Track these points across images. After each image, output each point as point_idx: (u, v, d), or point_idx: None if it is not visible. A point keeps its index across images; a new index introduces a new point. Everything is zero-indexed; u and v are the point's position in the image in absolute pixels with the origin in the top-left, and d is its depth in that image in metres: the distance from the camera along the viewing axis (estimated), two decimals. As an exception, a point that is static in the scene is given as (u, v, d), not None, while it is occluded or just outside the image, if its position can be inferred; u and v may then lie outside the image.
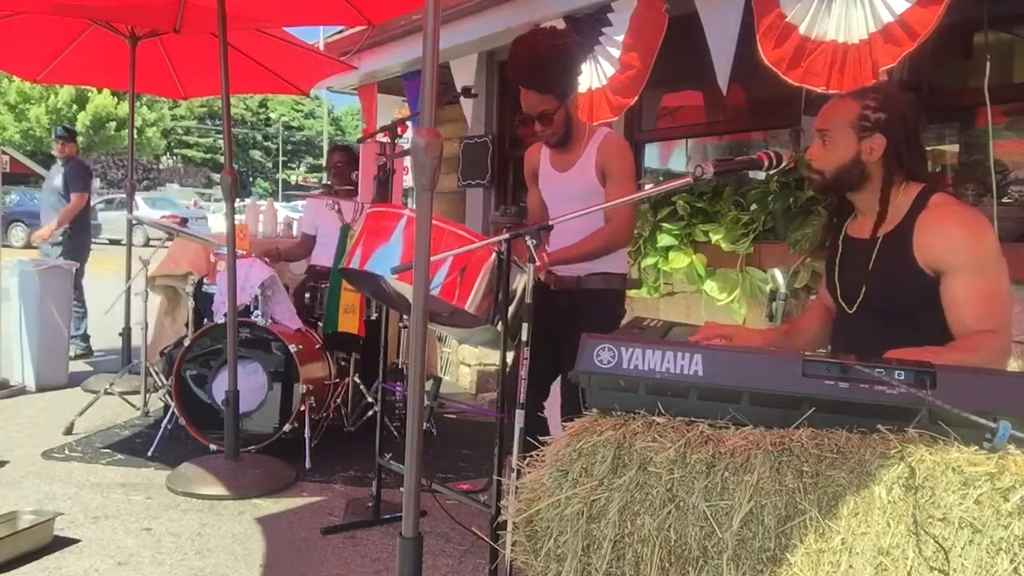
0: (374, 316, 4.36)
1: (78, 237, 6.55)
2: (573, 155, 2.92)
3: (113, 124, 34.54)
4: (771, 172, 3.43)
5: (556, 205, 2.99)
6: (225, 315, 3.82)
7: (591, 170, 2.86)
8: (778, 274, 3.56)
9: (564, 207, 2.89)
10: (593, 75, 4.29)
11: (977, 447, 1.26)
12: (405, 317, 3.93)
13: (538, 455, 1.49)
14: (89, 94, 33.45)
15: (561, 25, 4.41)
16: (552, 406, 2.90)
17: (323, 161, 6.16)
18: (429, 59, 1.80)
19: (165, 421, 4.22)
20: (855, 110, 1.91)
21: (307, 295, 4.67)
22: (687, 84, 5.01)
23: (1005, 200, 3.48)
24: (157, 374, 4.84)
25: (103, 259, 7.97)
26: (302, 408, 4.02)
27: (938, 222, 1.86)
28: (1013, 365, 1.84)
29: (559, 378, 2.89)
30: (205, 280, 4.57)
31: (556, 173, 2.98)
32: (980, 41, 3.46)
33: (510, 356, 2.51)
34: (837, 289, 2.05)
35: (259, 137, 52.84)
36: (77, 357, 6.51)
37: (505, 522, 1.52)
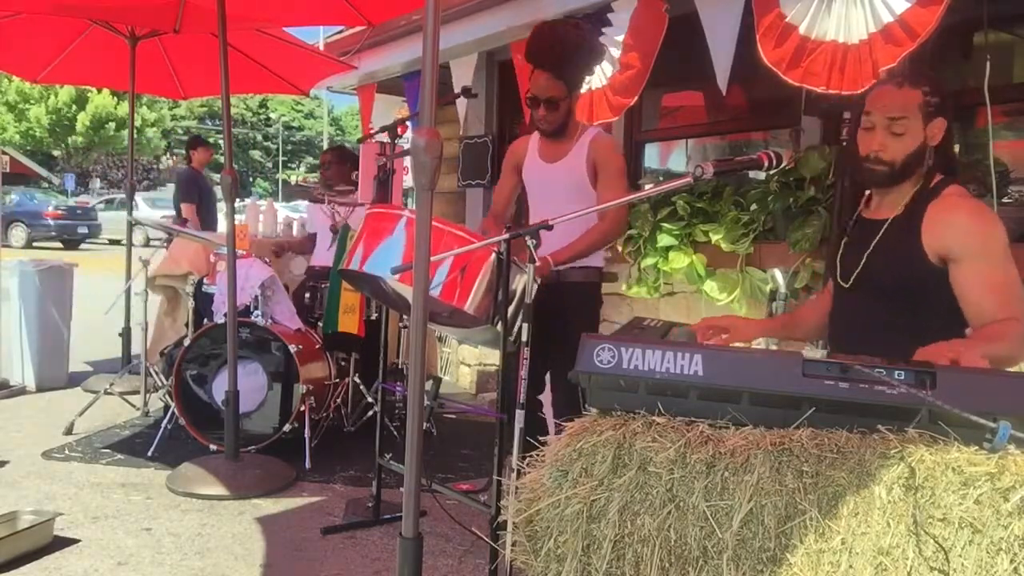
0: (374, 316, 4.36)
1: None
2: (564, 147, 3.00)
3: (113, 124, 34.56)
4: (771, 172, 3.44)
5: (542, 195, 3.06)
6: (225, 315, 3.82)
7: (581, 166, 2.94)
8: (778, 274, 3.56)
9: (550, 198, 2.95)
10: (593, 75, 4.28)
11: (977, 447, 1.26)
12: (405, 317, 3.93)
13: (538, 455, 1.49)
14: (89, 94, 33.47)
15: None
16: (548, 403, 2.93)
17: (324, 161, 6.27)
18: (429, 59, 1.80)
19: (165, 421, 4.22)
20: (918, 96, 1.89)
21: (307, 295, 4.67)
22: (687, 84, 5.01)
23: (1005, 200, 3.48)
24: (157, 374, 4.85)
25: (103, 259, 7.96)
26: (302, 408, 4.02)
27: (949, 212, 1.87)
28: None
29: (550, 374, 2.95)
30: (205, 280, 4.57)
31: (544, 163, 3.04)
32: (980, 41, 3.46)
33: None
34: (838, 268, 2.06)
35: (259, 137, 52.82)
36: None
37: (505, 522, 1.52)
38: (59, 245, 20.21)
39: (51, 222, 20.70)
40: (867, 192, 2.10)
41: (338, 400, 4.54)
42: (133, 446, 4.26)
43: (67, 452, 4.13)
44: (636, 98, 4.09)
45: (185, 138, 50.48)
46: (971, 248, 1.83)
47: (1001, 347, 1.71)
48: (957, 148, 3.82)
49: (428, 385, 2.61)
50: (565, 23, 2.94)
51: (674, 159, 5.53)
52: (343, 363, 4.58)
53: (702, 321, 2.02)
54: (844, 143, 3.26)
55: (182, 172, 7.37)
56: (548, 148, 3.03)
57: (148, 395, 4.87)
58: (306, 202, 6.14)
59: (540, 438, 1.56)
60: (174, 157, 46.30)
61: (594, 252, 2.95)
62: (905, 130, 1.89)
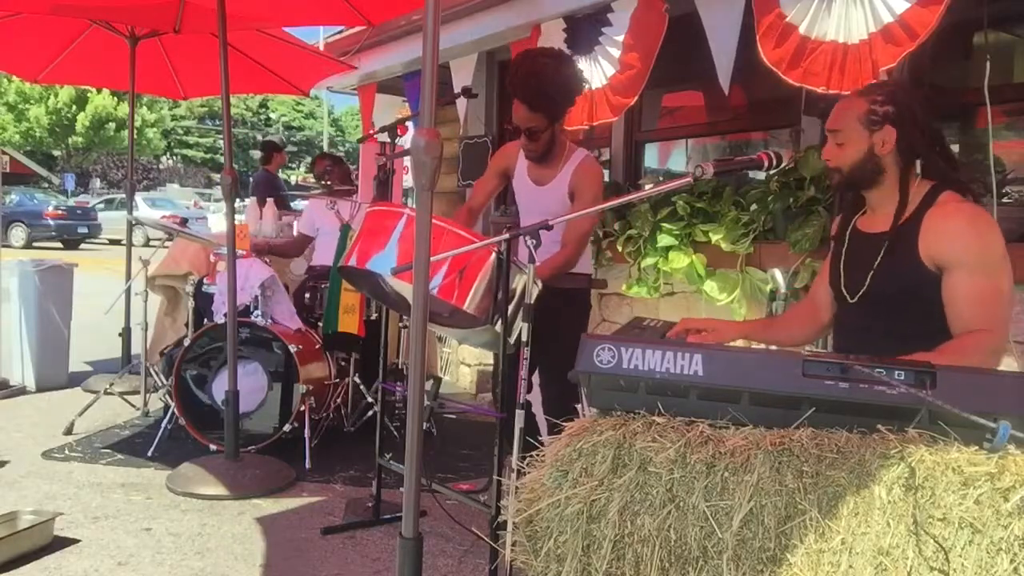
0: (374, 316, 4.36)
1: None
2: (551, 171, 3.06)
3: (113, 124, 34.56)
4: (771, 172, 3.44)
5: (530, 216, 3.10)
6: (225, 315, 3.82)
7: (564, 192, 3.02)
8: (778, 274, 3.56)
9: (536, 219, 2.96)
10: (593, 75, 4.28)
11: (977, 447, 1.26)
12: (405, 317, 3.93)
13: (538, 455, 1.49)
14: (89, 94, 33.49)
15: (561, 25, 4.42)
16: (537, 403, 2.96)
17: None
18: (429, 59, 1.80)
19: (165, 421, 4.22)
20: (863, 106, 1.95)
21: (307, 295, 4.67)
22: (687, 84, 5.00)
23: (1005, 200, 3.48)
24: (157, 374, 4.84)
25: (103, 259, 7.96)
26: (302, 408, 4.02)
27: (944, 219, 1.88)
28: (1012, 365, 1.84)
29: (539, 376, 3.00)
30: (205, 280, 4.57)
31: (533, 185, 3.11)
32: (980, 41, 3.46)
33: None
34: (841, 280, 2.07)
35: (259, 137, 52.78)
36: None
37: (505, 522, 1.52)
38: (59, 245, 20.20)
39: (51, 222, 20.70)
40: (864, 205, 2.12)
41: (338, 400, 4.53)
42: (133, 446, 4.26)
43: (67, 452, 4.13)
44: (636, 98, 4.09)
45: (185, 138, 50.06)
46: (961, 256, 1.83)
47: (963, 361, 1.69)
48: (958, 148, 3.83)
49: (428, 385, 2.61)
50: (546, 54, 2.97)
51: (674, 159, 5.52)
52: (343, 363, 4.58)
53: (682, 322, 2.03)
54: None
55: (260, 176, 7.84)
56: (536, 170, 3.10)
57: (148, 395, 4.86)
58: (303, 202, 6.17)
59: (536, 437, 1.56)
60: (174, 157, 46.29)
61: (554, 278, 2.94)
62: (845, 141, 1.96)
